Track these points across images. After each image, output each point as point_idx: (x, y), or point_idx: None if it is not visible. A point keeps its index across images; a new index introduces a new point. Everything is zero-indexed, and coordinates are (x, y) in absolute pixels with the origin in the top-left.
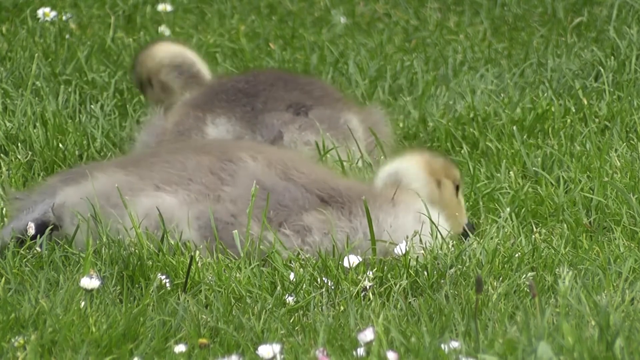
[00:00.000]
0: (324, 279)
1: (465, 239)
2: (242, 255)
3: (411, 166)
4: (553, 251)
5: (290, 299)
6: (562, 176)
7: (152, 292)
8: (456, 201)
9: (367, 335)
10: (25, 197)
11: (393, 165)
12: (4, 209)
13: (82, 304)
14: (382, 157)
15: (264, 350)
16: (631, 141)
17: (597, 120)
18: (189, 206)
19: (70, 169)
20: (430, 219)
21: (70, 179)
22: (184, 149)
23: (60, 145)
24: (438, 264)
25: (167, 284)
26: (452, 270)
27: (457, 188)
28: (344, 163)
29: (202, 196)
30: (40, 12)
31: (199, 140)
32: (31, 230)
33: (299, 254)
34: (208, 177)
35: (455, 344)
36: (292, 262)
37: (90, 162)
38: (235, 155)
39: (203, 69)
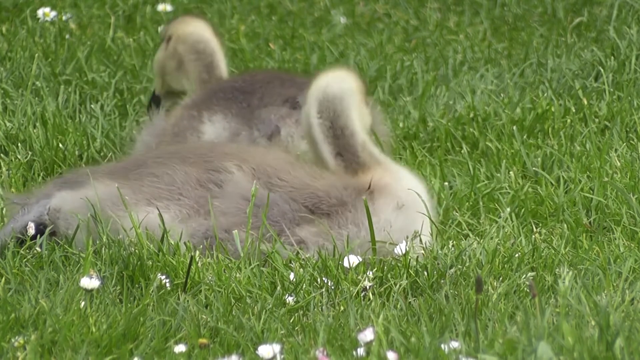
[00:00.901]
0: (324, 279)
1: None
2: (242, 255)
3: (352, 89)
4: (553, 251)
5: (290, 299)
6: (562, 176)
7: (152, 292)
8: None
9: (367, 335)
10: (22, 201)
11: (331, 86)
12: (4, 209)
13: (82, 304)
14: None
15: (264, 350)
16: (631, 141)
17: (597, 120)
18: (181, 223)
19: (64, 175)
20: (427, 215)
21: (65, 184)
22: (170, 159)
23: (60, 145)
24: (438, 264)
25: (167, 284)
26: (452, 270)
27: None
28: None
29: (193, 211)
30: (40, 12)
31: (183, 146)
32: (31, 230)
33: (298, 253)
34: (197, 191)
35: (455, 344)
36: (292, 262)
37: (84, 167)
38: (221, 165)
39: (221, 64)
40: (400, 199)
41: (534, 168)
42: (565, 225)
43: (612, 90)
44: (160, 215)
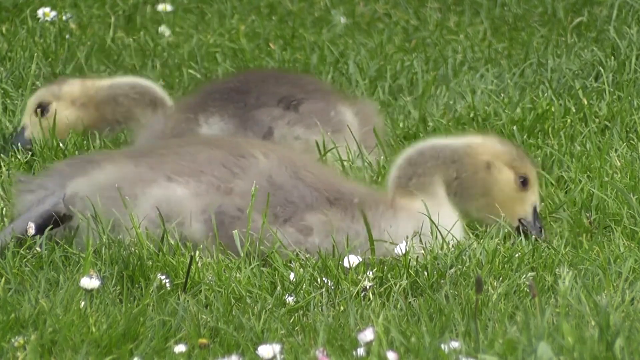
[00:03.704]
0: (324, 279)
1: (527, 238)
2: (242, 255)
3: (466, 142)
4: (553, 251)
5: (290, 299)
6: (562, 176)
7: (152, 292)
8: (514, 195)
9: (367, 335)
10: (29, 181)
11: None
12: (4, 208)
13: (82, 304)
14: (381, 156)
15: (264, 350)
16: (631, 141)
17: (597, 120)
18: (198, 198)
19: (78, 156)
20: (432, 222)
21: (79, 167)
22: (194, 143)
23: (60, 145)
24: (438, 264)
25: (167, 284)
26: (452, 270)
27: (523, 182)
28: (342, 159)
29: (213, 188)
30: (40, 12)
31: (208, 136)
32: (31, 230)
33: (298, 254)
34: (220, 170)
35: (455, 344)
36: (292, 262)
37: (99, 151)
38: (248, 151)
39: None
40: (421, 222)
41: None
42: (565, 225)
43: (612, 90)
44: (160, 215)
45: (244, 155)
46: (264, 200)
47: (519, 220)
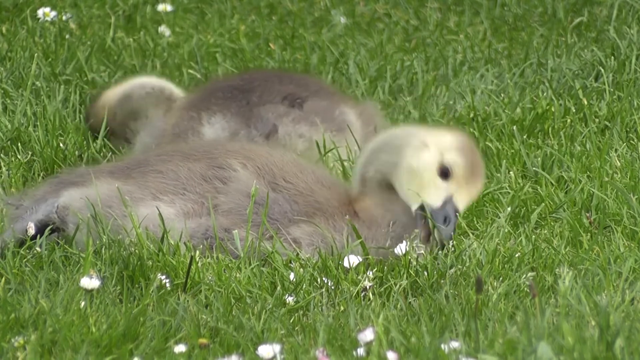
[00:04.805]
0: (324, 279)
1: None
2: (242, 255)
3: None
4: (553, 251)
5: (290, 299)
6: (562, 176)
7: (152, 292)
8: (429, 177)
9: (367, 335)
10: (17, 202)
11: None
12: (4, 209)
13: (82, 304)
14: None
15: (264, 350)
16: (631, 141)
17: (597, 120)
18: (185, 218)
19: (62, 175)
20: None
21: (70, 182)
22: (173, 157)
23: (61, 145)
24: (438, 264)
25: (167, 284)
26: (452, 270)
27: (444, 172)
28: (342, 160)
29: (198, 205)
30: (40, 12)
31: (185, 144)
32: (31, 231)
33: (298, 254)
34: (202, 186)
35: (455, 344)
36: (292, 262)
37: (82, 167)
38: (225, 162)
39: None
40: (392, 229)
41: (534, 168)
42: (565, 225)
43: (612, 90)
44: (160, 215)
45: (222, 166)
46: (245, 220)
47: (422, 205)
